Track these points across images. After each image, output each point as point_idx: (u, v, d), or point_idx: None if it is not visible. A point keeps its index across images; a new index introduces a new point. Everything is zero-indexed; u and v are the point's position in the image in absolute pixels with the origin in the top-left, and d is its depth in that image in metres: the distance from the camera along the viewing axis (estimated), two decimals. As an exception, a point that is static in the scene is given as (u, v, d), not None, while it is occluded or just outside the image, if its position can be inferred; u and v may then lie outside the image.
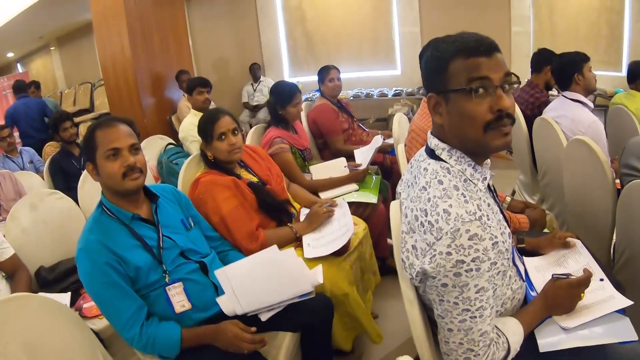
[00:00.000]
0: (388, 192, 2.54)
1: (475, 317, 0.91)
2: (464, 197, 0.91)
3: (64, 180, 3.12)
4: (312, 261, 1.64)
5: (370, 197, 2.21)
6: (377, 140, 2.53)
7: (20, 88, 5.37)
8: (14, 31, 6.50)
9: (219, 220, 1.68)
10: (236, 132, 1.79)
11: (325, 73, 3.05)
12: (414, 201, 0.97)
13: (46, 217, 2.19)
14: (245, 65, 5.78)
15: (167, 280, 1.37)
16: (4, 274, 1.91)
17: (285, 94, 2.47)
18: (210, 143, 1.78)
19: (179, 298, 1.38)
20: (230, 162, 1.81)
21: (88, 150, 1.36)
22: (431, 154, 1.01)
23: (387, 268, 2.34)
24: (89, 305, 1.86)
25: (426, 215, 0.92)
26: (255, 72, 5.68)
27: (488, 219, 0.90)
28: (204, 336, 1.35)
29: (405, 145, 1.87)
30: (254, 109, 5.55)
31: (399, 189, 1.16)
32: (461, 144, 0.96)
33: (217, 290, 1.45)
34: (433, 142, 1.01)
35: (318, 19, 5.67)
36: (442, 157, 0.98)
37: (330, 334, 1.57)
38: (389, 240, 2.46)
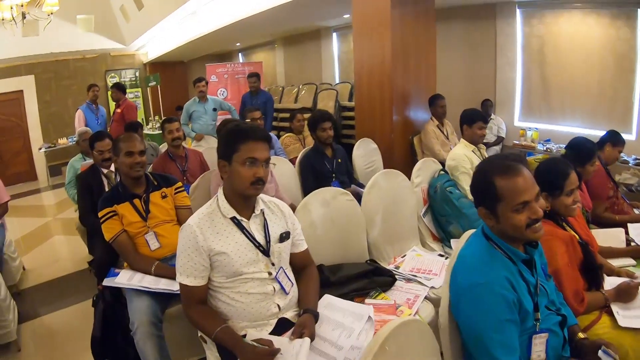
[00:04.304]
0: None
1: None
2: None
3: (314, 179, 3.15)
4: (622, 330, 1.65)
5: (651, 276, 2.14)
6: None
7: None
8: (253, 25, 6.90)
9: (552, 272, 1.65)
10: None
11: (618, 138, 2.99)
12: None
13: (334, 215, 2.18)
14: (476, 99, 5.75)
15: (537, 328, 1.35)
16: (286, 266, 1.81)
17: (585, 151, 2.52)
18: (558, 197, 1.81)
19: (539, 348, 1.35)
20: (567, 216, 1.85)
21: (489, 198, 1.34)
22: None
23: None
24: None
25: None
26: (487, 108, 5.61)
27: None
28: None
29: None
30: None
31: None
32: None
33: (564, 346, 1.43)
34: None
35: (558, 66, 5.47)
36: None
37: None
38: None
